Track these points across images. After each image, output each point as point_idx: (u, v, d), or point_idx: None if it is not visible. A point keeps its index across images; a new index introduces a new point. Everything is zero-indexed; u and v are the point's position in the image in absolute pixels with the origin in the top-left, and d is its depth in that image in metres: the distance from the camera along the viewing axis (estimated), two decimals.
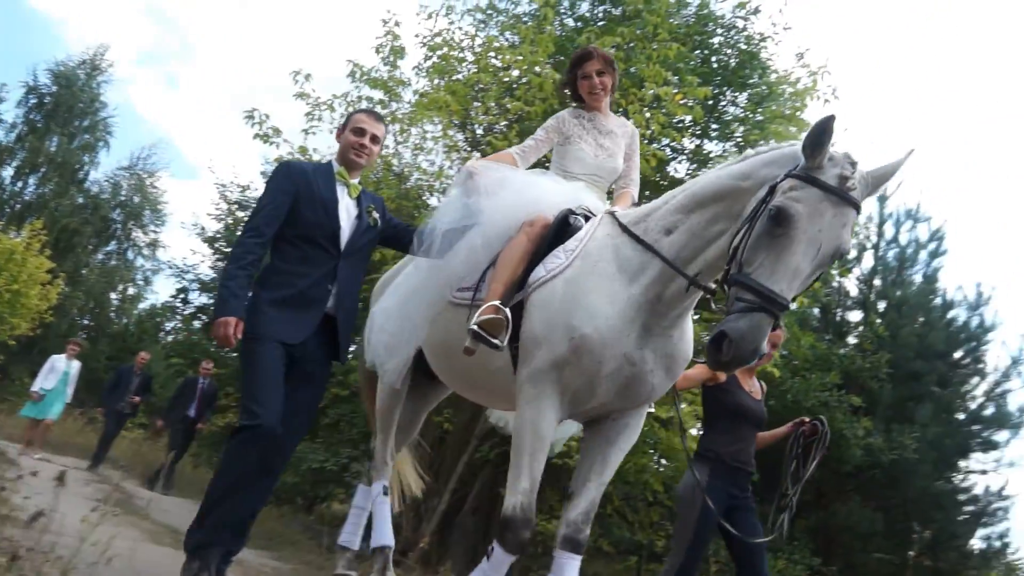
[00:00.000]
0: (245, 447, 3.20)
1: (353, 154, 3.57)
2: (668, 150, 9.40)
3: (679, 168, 9.86)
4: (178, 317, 18.12)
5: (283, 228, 3.39)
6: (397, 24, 8.73)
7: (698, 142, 9.91)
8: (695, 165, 9.89)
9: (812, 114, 9.41)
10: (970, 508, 11.68)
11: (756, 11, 9.43)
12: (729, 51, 9.46)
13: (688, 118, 8.22)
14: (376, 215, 3.59)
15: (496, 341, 3.09)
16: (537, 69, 8.22)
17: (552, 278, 3.21)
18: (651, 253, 3.15)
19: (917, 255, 12.34)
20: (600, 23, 9.52)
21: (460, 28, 9.19)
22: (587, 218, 3.51)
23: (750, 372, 4.86)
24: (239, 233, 3.46)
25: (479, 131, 8.96)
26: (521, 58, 7.83)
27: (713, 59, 9.49)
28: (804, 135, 2.72)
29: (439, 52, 8.94)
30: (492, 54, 8.81)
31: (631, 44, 8.10)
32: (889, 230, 12.55)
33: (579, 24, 9.83)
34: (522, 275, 3.33)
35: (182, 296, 17.03)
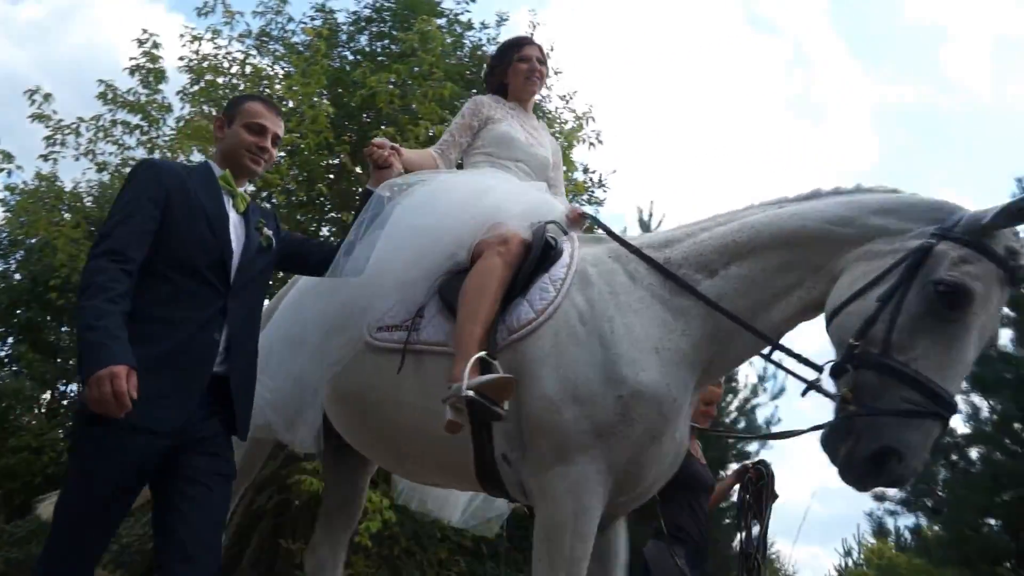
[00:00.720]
0: None
1: (249, 159, 2.56)
2: None
3: None
4: None
5: (148, 254, 2.37)
6: (156, 46, 8.13)
7: None
8: None
9: (579, 155, 9.95)
10: (731, 514, 12.81)
11: None
12: None
13: None
14: (268, 232, 2.63)
15: (499, 410, 2.30)
16: (315, 100, 8.03)
17: (549, 319, 2.48)
18: (693, 298, 2.46)
19: None
20: (380, 58, 9.49)
21: (229, 54, 8.74)
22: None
23: (694, 432, 4.36)
24: (90, 258, 2.30)
25: None
26: (296, 89, 7.57)
27: None
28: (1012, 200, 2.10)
29: (205, 78, 8.43)
30: (265, 82, 8.48)
31: (408, 82, 8.13)
32: None
33: (357, 58, 9.74)
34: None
35: None
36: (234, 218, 2.54)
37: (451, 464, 2.65)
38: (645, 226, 13.23)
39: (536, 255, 2.64)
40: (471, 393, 2.25)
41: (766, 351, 2.54)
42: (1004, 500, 7.18)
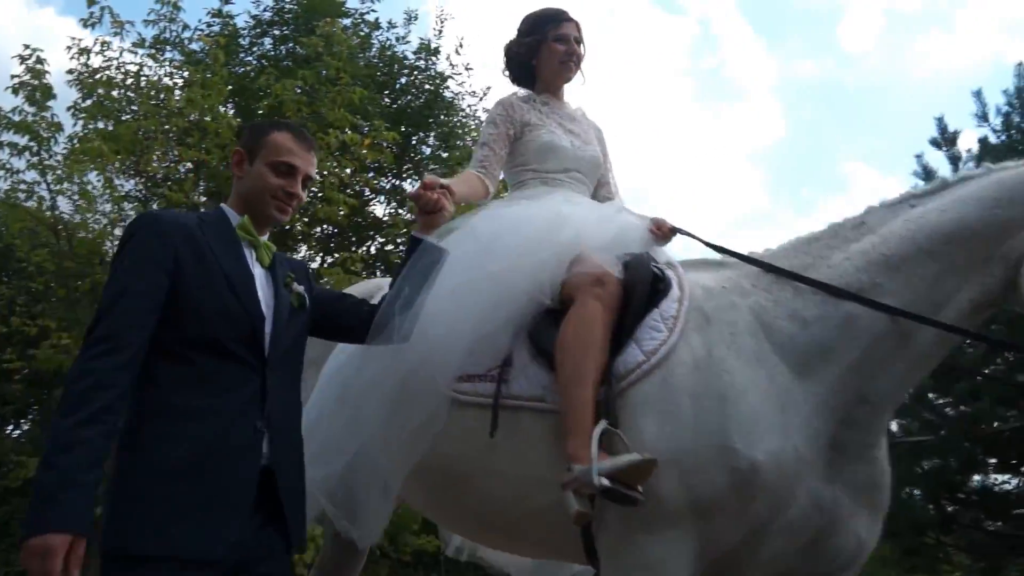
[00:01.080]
0: None
1: (275, 207, 2.10)
2: (367, 190, 9.31)
3: (378, 209, 9.85)
4: None
5: (158, 334, 1.90)
6: (40, 61, 7.60)
7: (395, 182, 9.95)
8: (394, 205, 9.93)
9: None
10: None
11: (436, 52, 9.71)
12: (415, 91, 9.63)
13: (381, 160, 8.17)
14: (300, 288, 2.19)
15: (637, 494, 1.96)
16: (221, 110, 7.69)
17: (659, 364, 2.12)
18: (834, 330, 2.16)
19: None
20: (285, 63, 9.17)
21: (122, 65, 8.24)
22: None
23: None
24: (81, 349, 1.85)
25: (160, 176, 8.16)
26: (196, 100, 7.22)
27: (400, 100, 9.59)
28: None
29: (97, 92, 7.94)
30: (163, 95, 8.05)
31: (314, 87, 7.86)
32: None
33: (262, 63, 9.38)
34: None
35: None
36: (259, 274, 2.08)
37: (555, 539, 2.28)
38: None
39: (645, 291, 2.26)
40: (606, 482, 1.90)
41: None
42: (923, 470, 7.45)
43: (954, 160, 9.54)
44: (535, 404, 2.23)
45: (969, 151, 9.63)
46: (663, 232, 2.60)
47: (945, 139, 9.59)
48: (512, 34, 2.93)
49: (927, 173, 10.09)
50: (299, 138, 2.15)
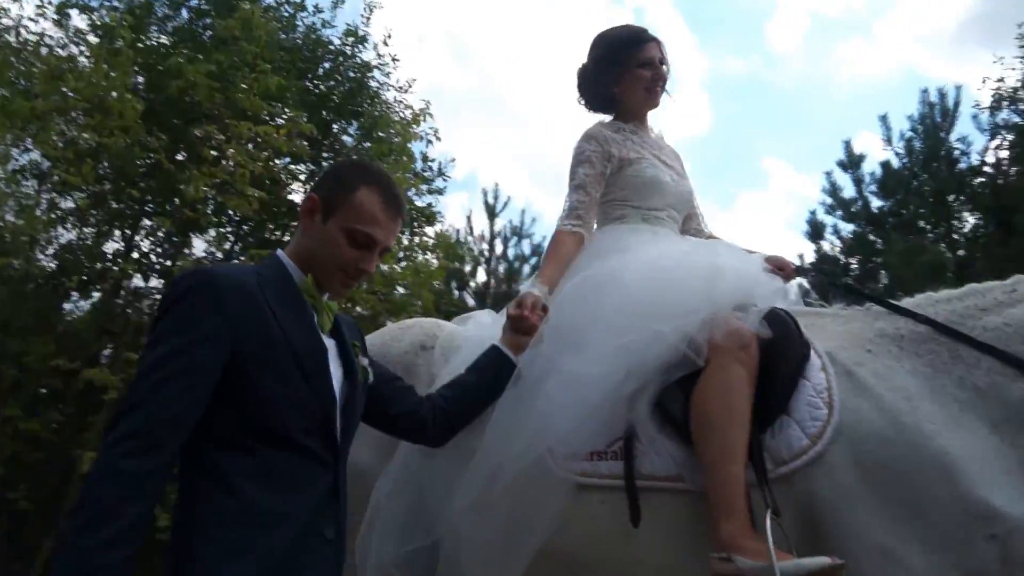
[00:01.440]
0: None
1: (340, 281, 1.82)
2: (284, 175, 9.07)
3: (296, 196, 9.62)
4: None
5: (213, 420, 1.62)
6: None
7: (313, 168, 9.71)
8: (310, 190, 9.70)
9: (419, 149, 9.71)
10: None
11: (364, 40, 9.48)
12: (339, 78, 9.39)
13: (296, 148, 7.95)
14: (365, 362, 1.93)
15: None
16: (127, 89, 7.30)
17: (831, 444, 1.87)
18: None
19: (522, 268, 13.72)
20: (207, 35, 8.75)
21: (21, 31, 7.73)
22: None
23: None
24: (102, 447, 1.55)
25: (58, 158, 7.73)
26: (93, 84, 6.83)
27: (322, 86, 9.34)
28: None
29: None
30: (65, 66, 7.58)
31: (229, 69, 7.55)
32: (499, 246, 13.81)
33: (176, 38, 8.94)
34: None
35: None
36: (329, 346, 1.81)
37: None
38: (491, 210, 13.27)
39: (797, 357, 2.01)
40: None
41: None
42: None
43: (858, 183, 10.04)
44: (673, 485, 1.98)
45: (872, 174, 10.15)
46: (786, 274, 2.43)
47: (851, 162, 10.05)
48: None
49: (834, 190, 10.60)
50: (389, 203, 1.84)
